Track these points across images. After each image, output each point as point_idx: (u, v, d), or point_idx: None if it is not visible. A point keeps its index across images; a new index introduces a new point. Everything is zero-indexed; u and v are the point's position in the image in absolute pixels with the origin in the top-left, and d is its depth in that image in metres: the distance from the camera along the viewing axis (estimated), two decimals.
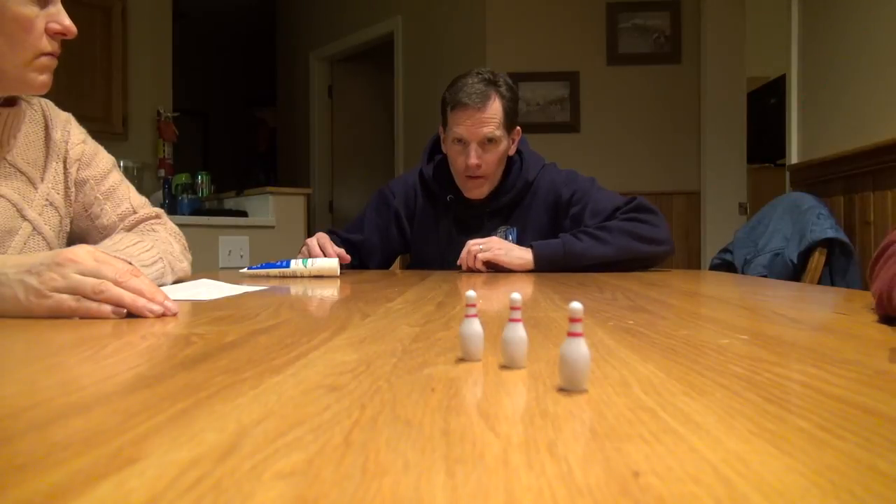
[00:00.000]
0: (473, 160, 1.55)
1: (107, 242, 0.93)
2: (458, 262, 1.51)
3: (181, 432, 0.27)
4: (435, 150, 1.74)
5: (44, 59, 0.89)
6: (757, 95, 4.07)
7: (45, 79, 0.91)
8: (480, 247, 1.47)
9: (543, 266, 1.46)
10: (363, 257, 1.73)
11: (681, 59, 3.74)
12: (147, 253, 0.93)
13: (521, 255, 1.48)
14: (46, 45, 0.89)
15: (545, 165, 1.69)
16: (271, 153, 6.22)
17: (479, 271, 1.47)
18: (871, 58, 2.29)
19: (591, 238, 1.49)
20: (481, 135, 1.54)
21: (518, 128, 1.64)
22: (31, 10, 0.86)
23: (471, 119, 1.53)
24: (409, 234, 1.74)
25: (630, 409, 0.31)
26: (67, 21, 0.90)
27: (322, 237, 1.54)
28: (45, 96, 1.00)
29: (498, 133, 1.55)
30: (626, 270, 1.50)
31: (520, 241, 1.63)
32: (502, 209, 1.66)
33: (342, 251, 1.52)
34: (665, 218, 1.58)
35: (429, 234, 1.71)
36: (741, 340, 0.51)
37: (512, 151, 1.64)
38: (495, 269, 1.48)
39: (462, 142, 1.56)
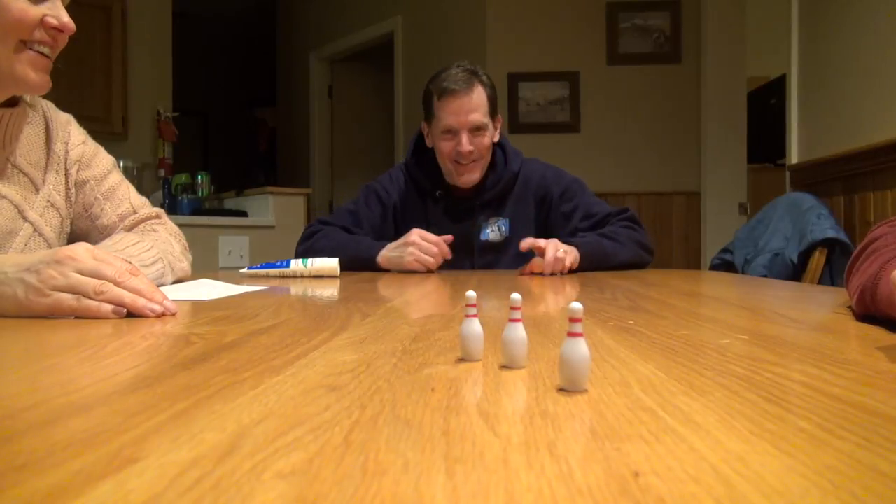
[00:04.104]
0: (466, 147, 1.58)
1: (107, 242, 0.92)
2: (531, 270, 1.36)
3: (181, 432, 0.27)
4: (419, 147, 1.75)
5: (31, 54, 0.86)
6: (757, 95, 4.07)
7: (38, 78, 0.88)
8: (561, 252, 1.36)
9: (582, 266, 1.46)
10: None
11: (681, 59, 3.74)
12: (147, 253, 0.93)
13: (576, 258, 1.44)
14: (36, 35, 0.85)
15: (525, 159, 1.75)
16: (271, 153, 6.22)
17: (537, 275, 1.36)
18: (871, 58, 2.29)
19: (614, 242, 1.55)
20: (470, 122, 1.59)
21: (499, 115, 1.69)
22: (23, 4, 0.84)
23: (459, 105, 1.58)
24: (403, 230, 1.73)
25: (630, 409, 0.31)
26: (66, 18, 0.88)
27: (421, 232, 1.51)
28: (45, 96, 1.00)
29: (485, 120, 1.61)
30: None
31: (512, 231, 1.67)
32: (492, 201, 1.69)
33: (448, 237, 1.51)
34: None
35: (420, 228, 1.70)
36: (741, 340, 0.51)
37: (496, 139, 1.68)
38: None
39: (451, 131, 1.60)
